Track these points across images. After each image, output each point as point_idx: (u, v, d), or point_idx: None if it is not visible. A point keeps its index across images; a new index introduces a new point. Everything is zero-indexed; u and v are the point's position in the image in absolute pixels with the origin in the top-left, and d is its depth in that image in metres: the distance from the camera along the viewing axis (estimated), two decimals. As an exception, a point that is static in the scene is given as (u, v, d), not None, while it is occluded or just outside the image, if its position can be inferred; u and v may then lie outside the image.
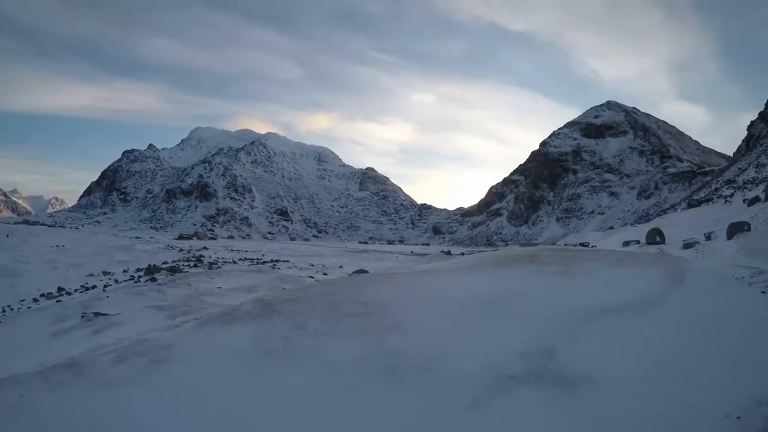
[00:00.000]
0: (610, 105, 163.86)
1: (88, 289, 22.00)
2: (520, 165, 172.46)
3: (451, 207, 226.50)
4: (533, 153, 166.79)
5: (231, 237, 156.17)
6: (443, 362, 5.24)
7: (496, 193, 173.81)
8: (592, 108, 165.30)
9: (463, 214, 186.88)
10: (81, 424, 4.74)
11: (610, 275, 7.21)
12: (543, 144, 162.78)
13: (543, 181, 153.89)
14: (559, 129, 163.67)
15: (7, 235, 56.72)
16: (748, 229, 15.50)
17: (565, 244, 40.68)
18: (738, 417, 3.80)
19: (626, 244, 22.39)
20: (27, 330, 11.60)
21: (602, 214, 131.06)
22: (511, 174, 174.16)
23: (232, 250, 54.67)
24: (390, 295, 7.36)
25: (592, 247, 23.79)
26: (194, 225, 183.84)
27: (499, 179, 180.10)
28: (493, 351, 5.34)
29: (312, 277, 22.67)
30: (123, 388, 5.35)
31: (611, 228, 71.06)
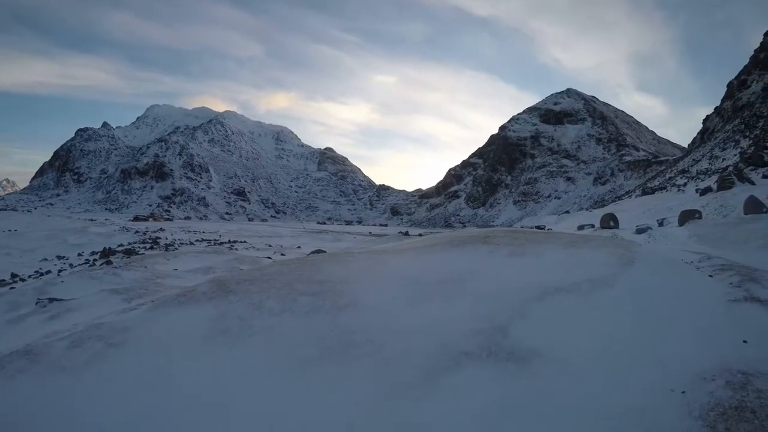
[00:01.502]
0: (570, 93, 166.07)
1: (42, 274, 21.59)
2: (479, 148, 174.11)
3: (410, 188, 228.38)
4: (492, 137, 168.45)
5: (188, 218, 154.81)
6: (397, 340, 5.32)
7: (454, 176, 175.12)
8: (552, 95, 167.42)
9: (422, 195, 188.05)
10: (38, 410, 4.70)
11: (563, 257, 7.37)
12: (502, 128, 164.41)
13: (501, 165, 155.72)
14: (518, 114, 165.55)
15: None
16: (699, 217, 15.95)
17: (522, 227, 41.24)
18: (683, 392, 3.93)
19: (581, 227, 22.82)
20: None
21: (559, 198, 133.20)
22: (470, 157, 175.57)
23: (188, 231, 54.22)
24: (345, 275, 7.42)
25: (547, 230, 24.15)
26: (150, 206, 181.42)
27: (458, 162, 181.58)
28: (447, 328, 5.43)
29: (270, 258, 22.62)
30: (80, 373, 5.30)
31: (567, 212, 72.21)
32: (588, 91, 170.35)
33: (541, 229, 27.04)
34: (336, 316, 5.99)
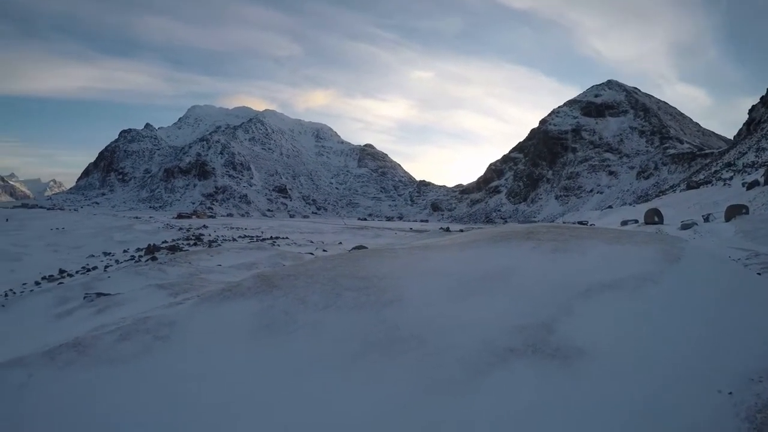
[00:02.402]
0: (611, 84, 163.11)
1: (89, 270, 22.08)
2: (520, 142, 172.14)
3: (450, 184, 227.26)
4: (533, 131, 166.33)
5: (230, 215, 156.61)
6: (441, 335, 5.31)
7: (495, 171, 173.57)
8: (592, 87, 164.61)
9: (462, 191, 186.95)
10: (87, 401, 4.83)
11: (607, 252, 7.26)
12: (543, 122, 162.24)
13: (542, 159, 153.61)
14: (559, 107, 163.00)
15: (7, 220, 56.93)
16: (746, 213, 15.61)
17: (564, 222, 40.78)
18: (730, 393, 3.87)
19: (624, 223, 22.52)
20: (31, 312, 11.66)
21: (601, 193, 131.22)
22: (511, 151, 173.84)
23: (231, 228, 54.71)
24: (388, 270, 7.42)
25: (590, 225, 23.85)
26: (193, 203, 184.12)
27: (499, 156, 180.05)
28: (491, 324, 5.40)
29: (311, 254, 22.73)
30: (127, 365, 5.43)
31: (610, 207, 71.24)
32: (629, 83, 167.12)
33: (584, 224, 26.73)
34: (380, 311, 6.01)
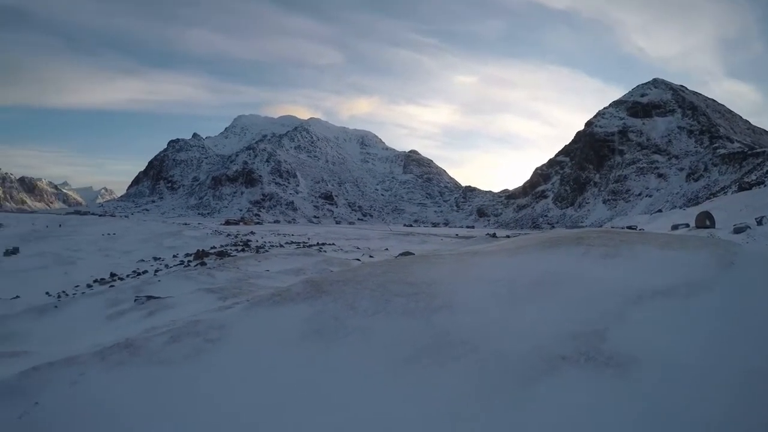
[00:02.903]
0: (656, 83, 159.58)
1: (139, 274, 22.63)
2: (566, 146, 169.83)
3: (496, 189, 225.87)
4: (578, 133, 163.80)
5: (277, 221, 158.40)
6: (492, 342, 5.28)
7: (541, 175, 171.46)
8: (638, 86, 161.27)
9: (508, 196, 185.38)
10: (138, 401, 4.96)
11: (659, 258, 7.13)
12: (588, 124, 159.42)
13: (589, 162, 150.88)
14: (604, 108, 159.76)
15: (60, 226, 59.13)
16: (802, 214, 15.14)
17: (612, 227, 40.12)
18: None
19: (675, 227, 22.05)
20: (83, 314, 12.02)
21: (650, 196, 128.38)
22: (557, 155, 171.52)
23: (278, 234, 55.44)
24: (437, 276, 7.41)
25: (639, 230, 23.44)
26: (240, 210, 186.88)
27: (544, 160, 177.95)
28: (542, 331, 5.35)
29: (358, 260, 22.86)
30: (178, 367, 5.55)
31: (659, 211, 69.82)
32: (675, 80, 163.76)
33: (633, 229, 26.30)
34: (430, 317, 6.00)
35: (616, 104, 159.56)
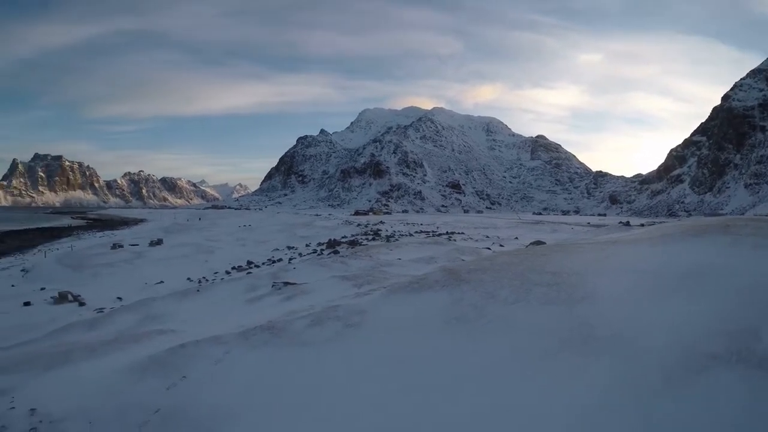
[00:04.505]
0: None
1: (274, 262, 23.81)
2: (701, 124, 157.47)
3: (629, 173, 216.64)
4: (715, 109, 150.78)
5: (405, 211, 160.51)
6: (637, 336, 5.00)
7: (676, 157, 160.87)
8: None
9: (642, 181, 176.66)
10: (281, 379, 5.25)
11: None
12: (725, 98, 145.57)
13: (728, 142, 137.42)
14: (741, 79, 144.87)
15: (200, 219, 63.81)
16: None
17: (755, 215, 37.26)
18: None
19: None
20: (224, 297, 12.76)
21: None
22: (692, 134, 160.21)
23: (407, 224, 56.07)
24: (578, 266, 7.19)
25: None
26: (369, 201, 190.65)
27: (679, 140, 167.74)
28: (690, 327, 4.94)
29: (489, 249, 22.62)
30: (321, 349, 5.82)
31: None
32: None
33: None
34: (572, 308, 5.82)
35: (754, 74, 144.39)
